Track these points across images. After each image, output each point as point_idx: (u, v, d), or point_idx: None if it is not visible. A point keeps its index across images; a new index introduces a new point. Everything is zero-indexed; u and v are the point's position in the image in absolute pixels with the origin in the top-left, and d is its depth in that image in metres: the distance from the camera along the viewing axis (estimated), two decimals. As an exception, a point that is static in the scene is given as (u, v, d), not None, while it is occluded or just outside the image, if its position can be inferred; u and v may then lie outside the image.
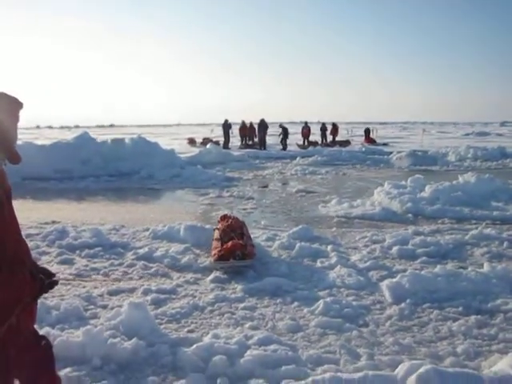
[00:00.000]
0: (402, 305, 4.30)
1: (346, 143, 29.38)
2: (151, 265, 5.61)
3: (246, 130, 28.85)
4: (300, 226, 7.08)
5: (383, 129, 58.43)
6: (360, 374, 2.75)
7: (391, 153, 20.88)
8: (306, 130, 29.08)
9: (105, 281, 5.12)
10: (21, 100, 2.06)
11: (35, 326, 2.31)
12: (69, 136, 20.33)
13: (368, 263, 5.54)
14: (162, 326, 3.89)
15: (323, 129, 30.68)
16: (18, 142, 2.29)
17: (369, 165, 18.72)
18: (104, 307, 4.36)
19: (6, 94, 2.01)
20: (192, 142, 31.46)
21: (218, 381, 2.98)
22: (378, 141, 31.76)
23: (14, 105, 2.04)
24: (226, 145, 26.85)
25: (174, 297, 4.62)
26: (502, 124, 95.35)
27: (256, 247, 6.01)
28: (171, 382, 3.06)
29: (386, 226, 7.84)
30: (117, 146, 16.84)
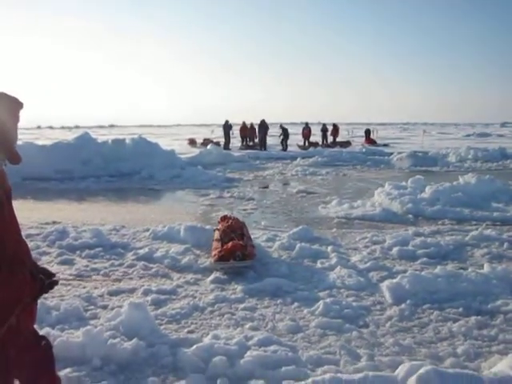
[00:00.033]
0: (402, 305, 4.30)
1: (347, 144, 29.37)
2: (151, 265, 5.61)
3: (247, 131, 28.87)
4: (300, 227, 7.08)
5: (384, 130, 58.43)
6: (360, 375, 2.75)
7: (392, 154, 20.89)
8: (306, 131, 29.09)
9: (105, 281, 5.12)
10: (21, 100, 2.06)
11: (35, 327, 2.31)
12: (69, 136, 20.35)
13: (368, 264, 5.53)
14: (162, 327, 3.89)
15: (324, 130, 30.70)
16: (19, 143, 2.30)
17: (369, 166, 18.72)
18: (104, 308, 4.36)
19: (6, 94, 2.01)
20: (192, 142, 31.46)
21: (218, 381, 2.98)
22: (378, 142, 31.75)
23: (15, 105, 2.04)
24: (226, 145, 26.87)
25: (174, 297, 4.62)
26: (503, 125, 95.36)
27: (256, 248, 6.01)
28: (171, 383, 3.06)
29: (387, 227, 7.84)
30: (117, 147, 16.85)
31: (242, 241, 5.82)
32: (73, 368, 3.14)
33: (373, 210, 8.99)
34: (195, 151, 22.49)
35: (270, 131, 27.95)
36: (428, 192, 9.52)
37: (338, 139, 31.24)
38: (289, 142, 26.99)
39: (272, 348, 3.39)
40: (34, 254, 3.82)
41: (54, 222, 7.97)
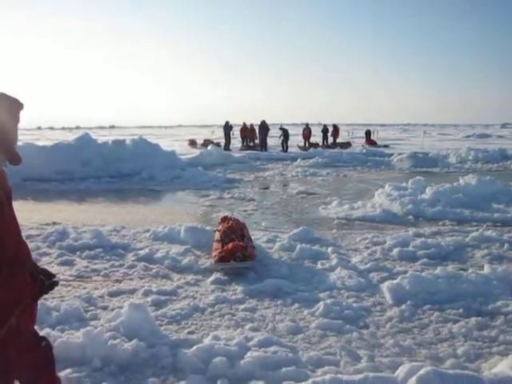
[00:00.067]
0: (403, 306, 4.30)
1: (347, 145, 29.38)
2: (152, 266, 5.61)
3: (247, 132, 28.89)
4: (300, 228, 7.08)
5: (384, 131, 58.43)
6: (360, 376, 2.75)
7: (392, 155, 20.92)
8: (306, 132, 29.11)
9: (105, 282, 5.12)
10: (21, 101, 2.06)
11: (35, 327, 2.31)
12: (70, 137, 20.36)
13: (368, 265, 5.53)
14: (162, 328, 3.89)
15: (324, 130, 30.72)
16: (19, 143, 2.29)
17: (369, 166, 18.73)
18: (104, 308, 4.36)
19: (6, 95, 2.01)
20: (193, 143, 31.47)
21: (219, 382, 2.97)
22: (378, 143, 31.77)
23: (15, 105, 2.03)
24: (226, 146, 26.88)
25: (174, 298, 4.62)
26: (503, 126, 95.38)
27: (256, 249, 6.01)
28: (171, 384, 3.07)
29: (387, 228, 7.84)
30: (118, 148, 16.86)
31: (242, 242, 5.82)
32: (73, 369, 3.13)
33: (373, 210, 8.99)
34: (196, 152, 22.49)
35: (271, 132, 27.97)
36: (428, 193, 9.52)
37: (338, 140, 31.25)
38: (289, 142, 27.00)
39: (272, 349, 3.39)
40: (34, 254, 3.82)
41: (55, 223, 7.97)
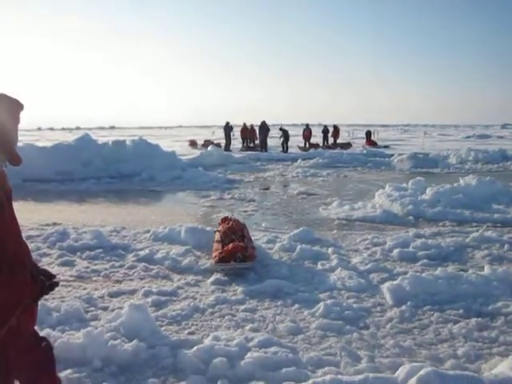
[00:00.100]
0: (403, 307, 4.30)
1: (347, 145, 29.39)
2: (152, 267, 5.61)
3: (247, 133, 28.89)
4: (301, 229, 7.08)
5: (384, 131, 58.45)
6: (360, 377, 2.75)
7: (392, 155, 20.91)
8: (307, 132, 29.11)
9: (105, 282, 5.12)
10: (21, 101, 2.06)
11: (36, 328, 2.31)
12: (70, 138, 20.36)
13: (369, 265, 5.53)
14: (162, 328, 3.89)
15: (325, 131, 30.72)
16: (19, 144, 2.30)
17: (370, 167, 18.72)
18: (105, 309, 4.36)
19: (6, 96, 2.01)
20: (193, 144, 31.49)
21: (219, 383, 2.98)
22: (379, 143, 31.78)
23: (15, 106, 2.03)
24: (227, 147, 26.89)
25: (174, 299, 4.62)
26: (503, 126, 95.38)
27: (257, 249, 6.01)
28: (171, 384, 3.07)
29: (387, 229, 7.84)
30: (118, 148, 16.86)
31: (242, 242, 5.82)
32: (73, 369, 3.14)
33: (373, 211, 8.98)
34: (196, 153, 22.49)
35: (271, 133, 27.98)
36: (429, 194, 9.52)
37: (338, 141, 31.24)
38: (289, 143, 27.01)
39: (272, 349, 3.39)
40: (34, 255, 3.82)
41: (55, 224, 7.97)
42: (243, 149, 27.69)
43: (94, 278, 5.27)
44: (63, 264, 5.74)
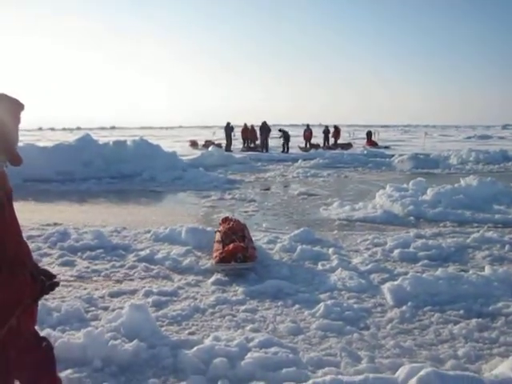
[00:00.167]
0: (404, 308, 4.30)
1: (348, 146, 29.38)
2: (152, 267, 5.61)
3: (248, 133, 28.90)
4: (301, 229, 7.09)
5: (385, 132, 58.43)
6: (361, 377, 2.75)
7: (393, 156, 20.92)
8: (307, 133, 29.11)
9: (106, 282, 5.12)
10: (22, 101, 2.06)
11: (36, 328, 2.31)
12: (71, 138, 20.37)
13: (369, 266, 5.53)
14: (163, 328, 3.89)
15: (326, 131, 30.72)
16: (20, 144, 2.30)
17: (370, 168, 18.72)
18: (105, 309, 4.36)
19: (6, 96, 2.01)
20: (194, 144, 31.49)
21: (219, 383, 2.98)
22: (379, 144, 31.77)
23: (15, 106, 2.03)
24: (228, 147, 26.89)
25: (175, 299, 4.62)
26: (504, 127, 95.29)
27: (257, 250, 6.01)
28: (172, 384, 3.07)
29: (388, 229, 7.83)
30: (119, 148, 16.87)
31: (243, 243, 5.82)
32: (74, 369, 3.14)
33: (374, 212, 8.98)
34: (197, 153, 22.49)
35: (271, 133, 27.99)
36: (429, 194, 9.52)
37: (339, 141, 31.22)
38: (290, 143, 27.00)
39: (273, 350, 3.39)
40: (34, 255, 3.82)
41: (55, 224, 7.98)
42: (244, 149, 27.69)
43: (95, 278, 5.27)
44: (64, 264, 5.74)
